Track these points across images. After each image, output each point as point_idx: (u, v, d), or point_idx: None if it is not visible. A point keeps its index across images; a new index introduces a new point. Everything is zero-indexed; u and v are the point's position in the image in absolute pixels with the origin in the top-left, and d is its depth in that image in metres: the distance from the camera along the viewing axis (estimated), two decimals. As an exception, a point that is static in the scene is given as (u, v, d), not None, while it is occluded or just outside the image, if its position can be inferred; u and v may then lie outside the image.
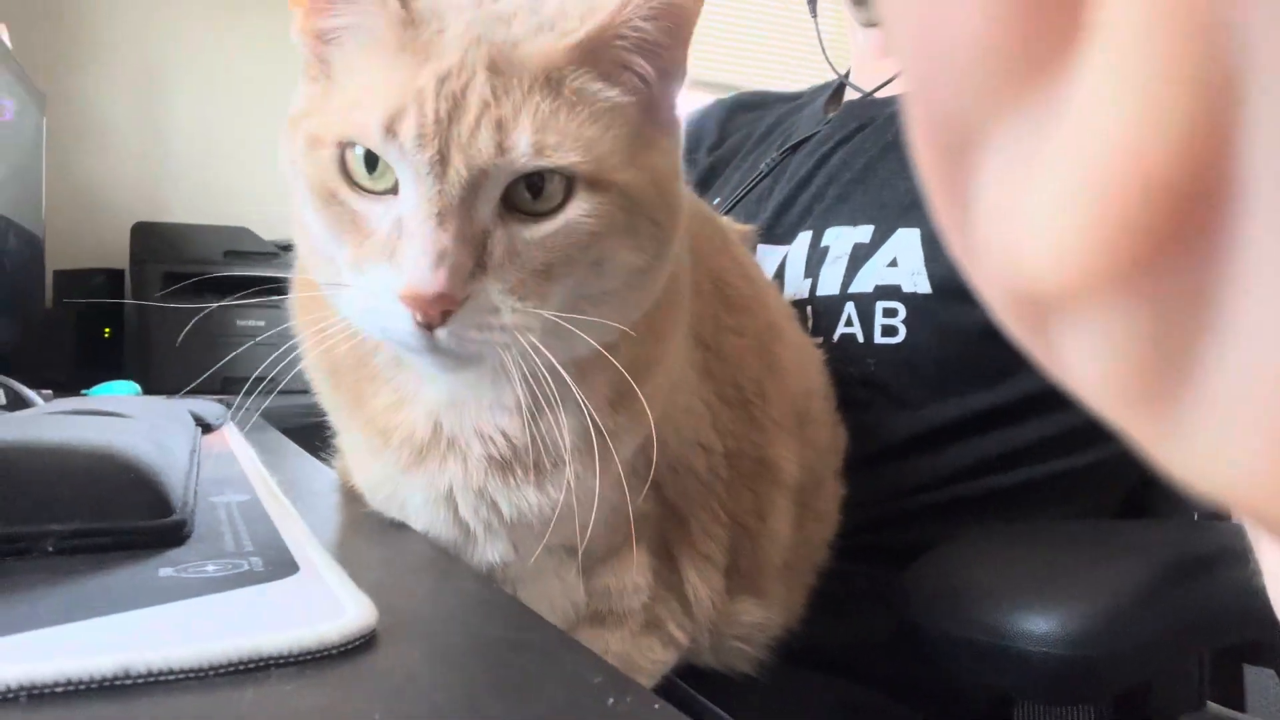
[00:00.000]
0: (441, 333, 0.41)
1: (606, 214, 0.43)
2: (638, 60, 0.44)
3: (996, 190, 0.10)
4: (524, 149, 0.41)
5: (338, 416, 0.56)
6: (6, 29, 1.35)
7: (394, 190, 0.42)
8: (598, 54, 0.43)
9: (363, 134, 0.41)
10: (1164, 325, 0.09)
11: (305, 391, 0.56)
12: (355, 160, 0.43)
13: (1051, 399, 0.79)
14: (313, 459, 0.73)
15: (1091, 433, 0.80)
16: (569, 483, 0.48)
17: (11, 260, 1.34)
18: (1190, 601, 0.61)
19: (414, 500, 0.51)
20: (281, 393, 0.51)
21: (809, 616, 0.69)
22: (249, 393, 0.48)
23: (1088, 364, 0.10)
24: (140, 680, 0.25)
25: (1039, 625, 0.56)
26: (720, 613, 0.59)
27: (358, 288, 0.43)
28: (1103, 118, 0.09)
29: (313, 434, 0.67)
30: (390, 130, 0.41)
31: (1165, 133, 0.09)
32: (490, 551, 0.51)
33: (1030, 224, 0.10)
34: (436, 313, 0.41)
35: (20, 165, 1.42)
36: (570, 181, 0.42)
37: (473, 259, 0.41)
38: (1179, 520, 0.85)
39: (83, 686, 0.25)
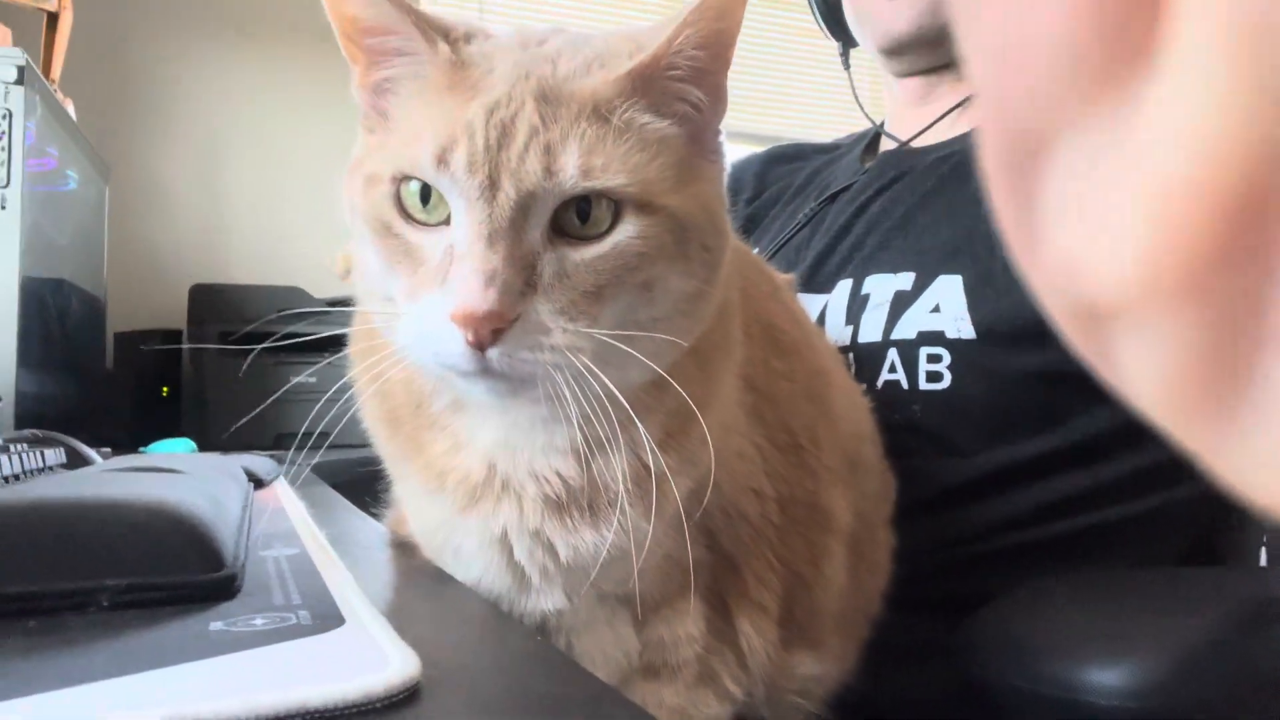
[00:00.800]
0: (493, 353, 0.41)
1: (655, 237, 0.43)
2: (689, 89, 0.45)
3: (1063, 198, 0.11)
4: (571, 172, 0.42)
5: (395, 465, 0.56)
6: (72, 104, 1.41)
7: (446, 222, 0.43)
8: (650, 84, 0.44)
9: (416, 166, 0.43)
10: (1224, 335, 0.09)
11: (355, 446, 0.57)
12: (409, 195, 0.44)
13: (1108, 445, 0.77)
14: (361, 514, 0.74)
15: (1150, 479, 0.78)
16: (620, 524, 0.47)
17: (74, 322, 1.39)
18: (1264, 652, 0.58)
19: (468, 544, 0.51)
20: (332, 448, 0.51)
21: (863, 670, 0.67)
22: (300, 448, 0.49)
23: (1146, 372, 0.10)
24: (190, 734, 0.26)
25: (1108, 678, 0.54)
26: (775, 665, 0.58)
27: (411, 315, 0.44)
28: (1176, 126, 0.09)
29: (363, 489, 0.67)
30: (442, 161, 0.42)
31: (1238, 143, 0.09)
32: (545, 599, 0.51)
33: (1096, 231, 0.10)
34: (487, 332, 0.41)
35: (84, 231, 1.48)
36: (618, 206, 0.43)
37: (522, 279, 0.42)
38: (1248, 566, 0.81)
39: (134, 740, 0.25)
